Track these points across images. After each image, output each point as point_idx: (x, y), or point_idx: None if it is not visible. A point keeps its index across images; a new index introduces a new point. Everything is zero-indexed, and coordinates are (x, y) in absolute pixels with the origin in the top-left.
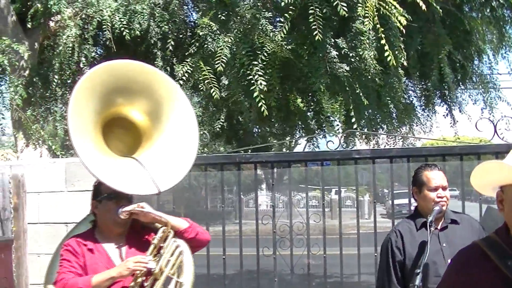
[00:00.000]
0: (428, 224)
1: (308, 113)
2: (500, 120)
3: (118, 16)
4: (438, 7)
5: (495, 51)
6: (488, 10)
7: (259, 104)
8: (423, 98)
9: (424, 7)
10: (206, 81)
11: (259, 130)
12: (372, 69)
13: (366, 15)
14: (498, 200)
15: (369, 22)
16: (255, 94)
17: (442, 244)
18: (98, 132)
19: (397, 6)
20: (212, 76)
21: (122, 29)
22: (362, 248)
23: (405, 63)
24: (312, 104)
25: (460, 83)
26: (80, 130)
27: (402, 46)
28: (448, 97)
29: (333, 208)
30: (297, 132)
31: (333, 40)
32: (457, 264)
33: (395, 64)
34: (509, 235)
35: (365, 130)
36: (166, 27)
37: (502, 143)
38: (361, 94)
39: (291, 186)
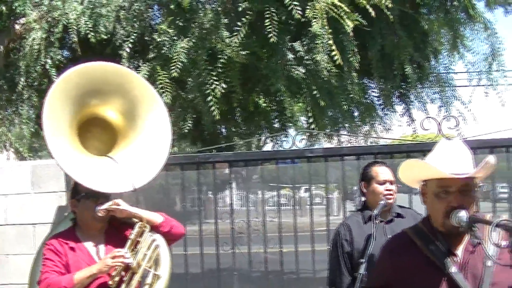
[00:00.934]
0: (373, 217)
1: (272, 113)
2: (445, 119)
3: (84, 19)
4: (389, 13)
5: (451, 52)
6: (443, 13)
7: (212, 108)
8: (382, 98)
9: (373, 13)
10: (160, 86)
11: (226, 131)
12: (325, 71)
13: (315, 16)
14: (421, 193)
15: (316, 24)
16: (208, 98)
17: (387, 236)
18: (74, 133)
19: (346, 9)
20: (167, 81)
21: (88, 32)
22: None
23: (356, 65)
24: (275, 104)
25: (418, 83)
26: (56, 132)
27: (355, 50)
28: (407, 96)
29: (302, 206)
30: (263, 132)
31: (290, 44)
32: (388, 249)
33: (341, 63)
34: (431, 224)
35: (328, 129)
36: (131, 30)
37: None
38: (317, 95)
39: (250, 184)
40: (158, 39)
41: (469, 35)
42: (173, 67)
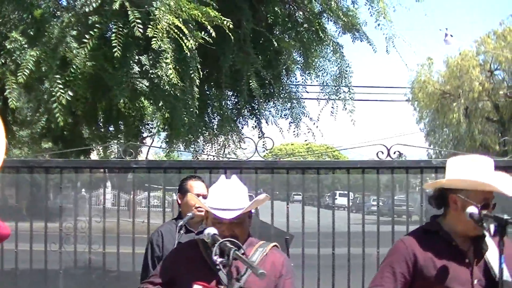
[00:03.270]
0: (177, 227)
1: (131, 119)
2: (262, 139)
3: None
4: (230, 34)
5: (304, 71)
6: (295, 34)
7: (57, 115)
8: (235, 110)
9: (214, 33)
10: (8, 91)
11: (88, 132)
12: (166, 85)
13: (155, 36)
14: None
15: (156, 42)
16: (54, 105)
17: None
18: None
19: (185, 31)
20: (14, 87)
21: None
22: None
23: (197, 81)
24: (135, 110)
25: (270, 98)
26: None
27: (198, 66)
28: (257, 110)
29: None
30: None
31: (137, 57)
32: (174, 250)
33: (175, 81)
34: None
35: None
36: None
37: (261, 159)
38: (163, 107)
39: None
40: (9, 46)
41: (319, 56)
42: (20, 74)
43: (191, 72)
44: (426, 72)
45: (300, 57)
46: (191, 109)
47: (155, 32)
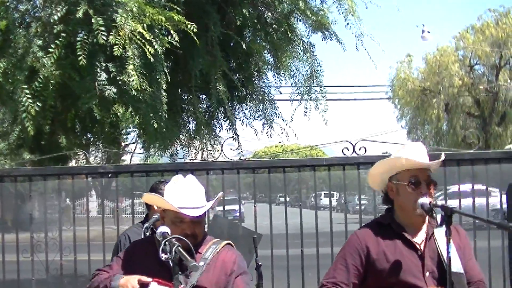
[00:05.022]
0: (144, 228)
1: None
2: (227, 140)
3: None
4: (197, 38)
5: (276, 71)
6: (263, 35)
7: (27, 125)
8: (208, 113)
9: (177, 37)
10: None
11: (66, 141)
12: (133, 90)
13: (116, 43)
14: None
15: (118, 49)
16: (23, 115)
17: None
18: None
19: (147, 36)
20: None
21: None
22: None
23: (164, 86)
24: (108, 117)
25: (242, 100)
26: None
27: (165, 70)
28: (228, 113)
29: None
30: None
31: (104, 65)
32: (131, 245)
33: (139, 88)
34: None
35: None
36: None
37: (227, 160)
38: (132, 113)
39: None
40: None
41: (290, 56)
42: None
43: (157, 77)
44: (405, 69)
45: (271, 58)
46: (160, 114)
47: (117, 39)
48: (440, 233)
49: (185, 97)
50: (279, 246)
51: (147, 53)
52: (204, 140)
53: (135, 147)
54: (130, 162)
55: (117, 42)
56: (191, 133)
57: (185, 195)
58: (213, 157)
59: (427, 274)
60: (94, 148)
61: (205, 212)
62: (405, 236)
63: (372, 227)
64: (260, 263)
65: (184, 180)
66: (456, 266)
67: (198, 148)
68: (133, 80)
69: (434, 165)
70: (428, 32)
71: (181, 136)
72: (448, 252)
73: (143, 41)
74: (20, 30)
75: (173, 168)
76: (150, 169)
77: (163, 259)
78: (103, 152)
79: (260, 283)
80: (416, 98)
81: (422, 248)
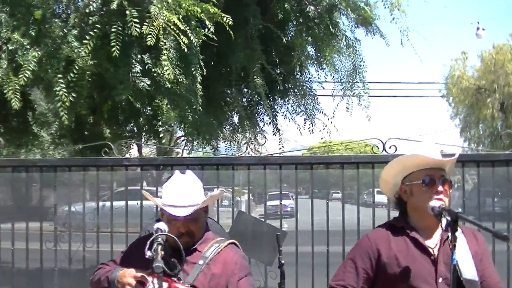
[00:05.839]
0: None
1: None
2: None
3: None
4: (232, 31)
5: (318, 66)
6: (305, 29)
7: (61, 115)
8: (249, 108)
9: (212, 28)
10: (10, 91)
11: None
12: (167, 83)
13: (150, 33)
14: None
15: (150, 39)
16: (58, 105)
17: None
18: None
19: (180, 26)
20: (17, 87)
21: None
22: None
23: (199, 78)
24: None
25: (283, 95)
26: None
27: (201, 63)
28: (266, 106)
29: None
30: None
31: (139, 56)
32: (135, 242)
33: (171, 78)
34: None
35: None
36: None
37: (253, 155)
38: (168, 105)
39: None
40: (10, 47)
41: (333, 51)
42: (21, 75)
43: (192, 69)
44: (460, 67)
45: (314, 53)
46: (194, 107)
47: (151, 29)
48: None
49: (228, 91)
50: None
51: (181, 44)
52: (248, 134)
53: (186, 142)
54: (181, 155)
55: (150, 32)
56: (235, 127)
57: (174, 192)
58: (258, 151)
59: (440, 280)
60: (133, 140)
61: (204, 209)
62: (418, 240)
63: (384, 229)
64: (283, 261)
65: (178, 177)
66: (470, 273)
67: (241, 142)
68: (166, 72)
69: (448, 162)
70: (483, 29)
71: (224, 130)
72: (452, 259)
73: (177, 32)
74: (56, 20)
75: (198, 162)
76: (175, 162)
77: (147, 256)
78: (153, 144)
79: (282, 282)
80: (471, 96)
81: (436, 252)
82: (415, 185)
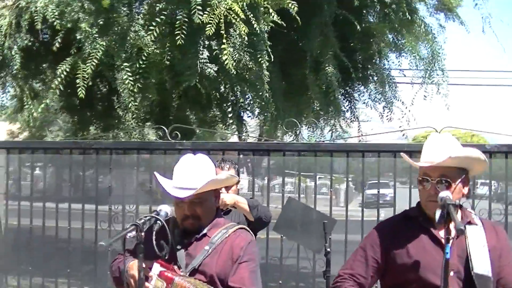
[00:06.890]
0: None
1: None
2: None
3: (51, 8)
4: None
5: (397, 53)
6: (382, 16)
7: (128, 101)
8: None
9: (275, 16)
10: (78, 80)
11: (193, 116)
12: (232, 69)
13: (210, 21)
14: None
15: (211, 28)
16: (124, 92)
17: None
18: None
19: (241, 14)
20: (84, 75)
21: (54, 19)
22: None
23: (264, 65)
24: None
25: (362, 82)
26: None
27: (268, 50)
28: (337, 93)
29: (308, 195)
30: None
31: (207, 43)
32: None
33: (231, 66)
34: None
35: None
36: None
37: (304, 142)
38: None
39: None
40: (79, 37)
41: (413, 39)
42: (88, 63)
43: (258, 56)
44: None
45: (392, 40)
46: (260, 94)
47: (211, 18)
48: (472, 231)
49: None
50: None
51: (242, 32)
52: (333, 121)
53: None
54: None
55: (210, 21)
56: (317, 113)
57: (179, 174)
58: (342, 137)
59: (452, 273)
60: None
61: (213, 192)
62: (431, 231)
63: (398, 219)
64: (329, 249)
65: (186, 159)
66: (483, 268)
67: (323, 128)
68: (226, 60)
69: (445, 162)
70: None
71: (304, 117)
72: (446, 253)
73: (238, 20)
74: (124, 9)
75: (249, 147)
76: (227, 147)
77: (129, 236)
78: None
79: (327, 270)
80: None
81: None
82: (418, 179)
